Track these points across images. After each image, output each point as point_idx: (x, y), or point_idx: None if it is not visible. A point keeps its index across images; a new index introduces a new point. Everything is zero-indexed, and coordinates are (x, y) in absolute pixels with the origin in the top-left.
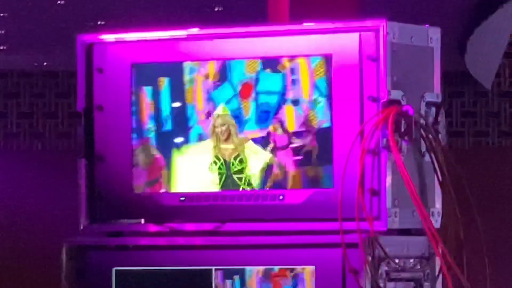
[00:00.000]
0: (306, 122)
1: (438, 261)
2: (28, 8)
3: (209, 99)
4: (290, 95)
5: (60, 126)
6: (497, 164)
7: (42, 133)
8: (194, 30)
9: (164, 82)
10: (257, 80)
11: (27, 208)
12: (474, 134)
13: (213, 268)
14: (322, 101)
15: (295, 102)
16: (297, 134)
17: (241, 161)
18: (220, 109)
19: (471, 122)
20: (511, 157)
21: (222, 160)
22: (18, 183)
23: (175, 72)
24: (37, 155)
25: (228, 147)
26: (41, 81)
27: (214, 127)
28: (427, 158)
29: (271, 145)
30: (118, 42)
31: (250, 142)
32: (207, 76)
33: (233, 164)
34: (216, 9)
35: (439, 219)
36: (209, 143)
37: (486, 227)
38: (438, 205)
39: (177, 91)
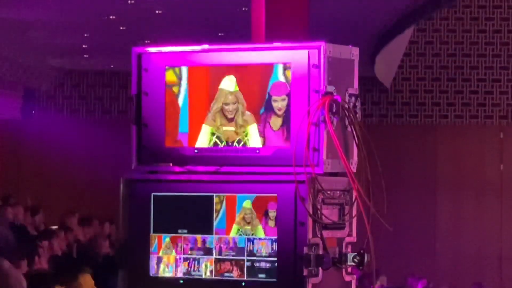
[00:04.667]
0: None
1: (354, 193)
2: (102, 30)
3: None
4: None
5: (121, 106)
6: (393, 137)
7: (110, 110)
8: (205, 46)
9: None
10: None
11: (100, 156)
12: (378, 116)
13: (214, 194)
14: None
15: None
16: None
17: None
18: (232, 85)
19: (377, 108)
20: (401, 132)
21: (224, 142)
22: (96, 141)
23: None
24: (107, 124)
25: (229, 129)
26: (109, 77)
27: (224, 104)
28: (349, 129)
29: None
30: (157, 52)
31: (254, 126)
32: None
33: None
34: (219, 34)
35: (355, 166)
36: (210, 123)
37: (384, 174)
38: (355, 157)
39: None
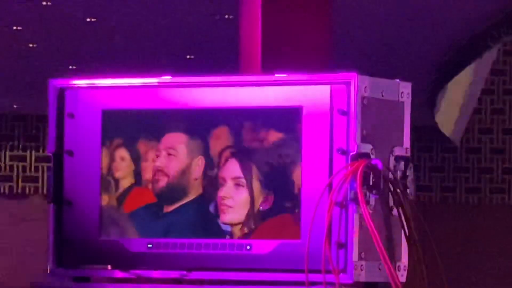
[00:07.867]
0: None
1: None
2: None
3: None
4: None
5: (28, 168)
6: (464, 220)
7: (10, 177)
8: (166, 78)
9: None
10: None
11: None
12: (441, 190)
13: None
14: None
15: None
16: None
17: None
18: None
19: (439, 178)
20: (477, 214)
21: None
22: None
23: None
24: (4, 198)
25: None
26: (12, 122)
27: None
28: (394, 212)
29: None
30: (90, 87)
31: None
32: None
33: None
34: (188, 57)
35: (405, 273)
36: None
37: (452, 283)
38: (404, 259)
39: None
